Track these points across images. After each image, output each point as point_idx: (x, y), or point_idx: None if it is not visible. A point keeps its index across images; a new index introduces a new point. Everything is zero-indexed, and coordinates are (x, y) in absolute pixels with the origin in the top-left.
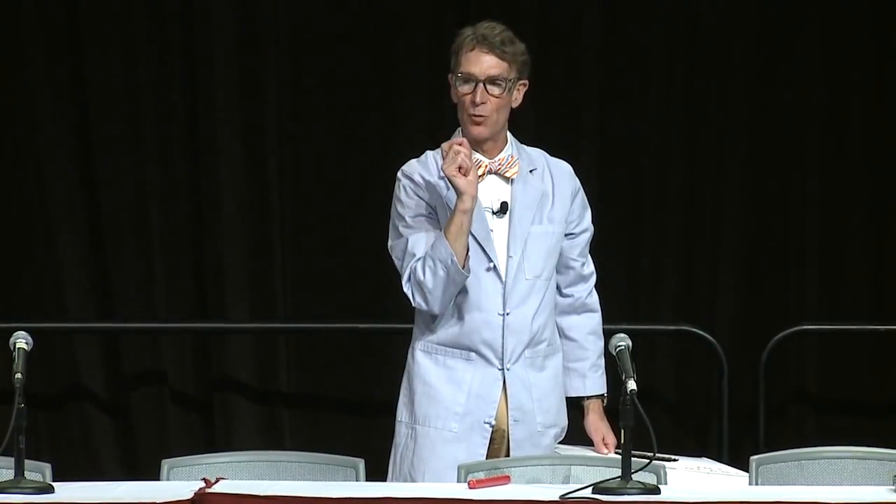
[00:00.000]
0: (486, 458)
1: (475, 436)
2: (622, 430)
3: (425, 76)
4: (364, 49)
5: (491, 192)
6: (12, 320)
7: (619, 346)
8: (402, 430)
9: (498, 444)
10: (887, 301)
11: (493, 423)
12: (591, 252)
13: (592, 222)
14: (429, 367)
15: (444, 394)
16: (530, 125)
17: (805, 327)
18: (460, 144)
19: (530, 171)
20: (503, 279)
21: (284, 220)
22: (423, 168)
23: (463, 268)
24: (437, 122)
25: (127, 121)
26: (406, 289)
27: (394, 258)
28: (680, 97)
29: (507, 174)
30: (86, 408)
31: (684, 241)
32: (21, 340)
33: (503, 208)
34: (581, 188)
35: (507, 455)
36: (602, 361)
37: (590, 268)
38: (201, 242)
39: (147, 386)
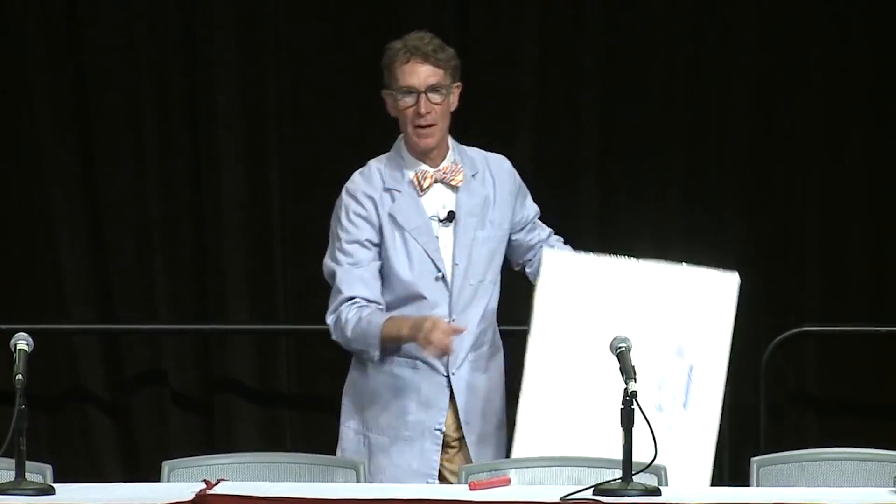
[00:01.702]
0: (449, 463)
1: (427, 442)
2: (623, 432)
3: None
4: (364, 49)
5: (437, 200)
6: (13, 321)
7: (620, 347)
8: (349, 436)
9: (458, 447)
10: (888, 302)
11: (444, 429)
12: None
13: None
14: (374, 375)
15: (393, 403)
16: (531, 126)
17: (806, 329)
18: (453, 332)
19: (472, 176)
20: (450, 287)
21: (284, 220)
22: (366, 183)
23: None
24: None
25: (127, 121)
26: (329, 320)
27: (325, 276)
28: (680, 98)
29: (453, 182)
30: (86, 409)
31: (684, 242)
32: (22, 342)
33: (450, 217)
34: (521, 181)
35: (469, 458)
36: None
37: (545, 231)
38: (201, 243)
39: (148, 387)
